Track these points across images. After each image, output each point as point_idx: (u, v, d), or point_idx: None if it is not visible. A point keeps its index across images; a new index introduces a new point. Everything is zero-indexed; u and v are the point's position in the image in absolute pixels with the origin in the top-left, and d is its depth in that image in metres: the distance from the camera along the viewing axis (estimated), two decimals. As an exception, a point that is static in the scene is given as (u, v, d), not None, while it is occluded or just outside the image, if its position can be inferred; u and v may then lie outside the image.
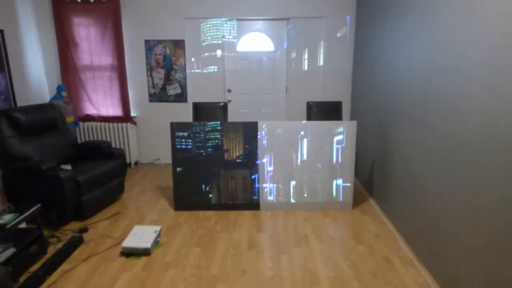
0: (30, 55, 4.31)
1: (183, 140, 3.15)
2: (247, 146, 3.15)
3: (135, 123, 4.69)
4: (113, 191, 3.34)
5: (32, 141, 3.13)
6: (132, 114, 4.70)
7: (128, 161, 4.66)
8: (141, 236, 2.59)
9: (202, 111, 3.57)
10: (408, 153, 2.57)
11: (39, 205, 2.45)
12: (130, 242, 2.51)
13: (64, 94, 4.19)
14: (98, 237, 2.78)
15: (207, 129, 3.13)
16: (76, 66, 4.51)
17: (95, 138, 4.60)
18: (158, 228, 2.72)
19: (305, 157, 3.16)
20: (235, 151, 3.17)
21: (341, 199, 3.22)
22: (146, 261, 2.44)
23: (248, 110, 4.76)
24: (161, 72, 4.54)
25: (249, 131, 3.13)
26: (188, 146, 3.16)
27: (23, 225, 2.73)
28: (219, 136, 3.14)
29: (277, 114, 4.75)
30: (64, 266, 2.38)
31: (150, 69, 4.54)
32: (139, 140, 4.80)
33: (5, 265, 2.05)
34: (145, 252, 2.50)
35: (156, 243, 2.63)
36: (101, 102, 4.64)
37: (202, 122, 3.11)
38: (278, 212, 3.23)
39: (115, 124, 4.54)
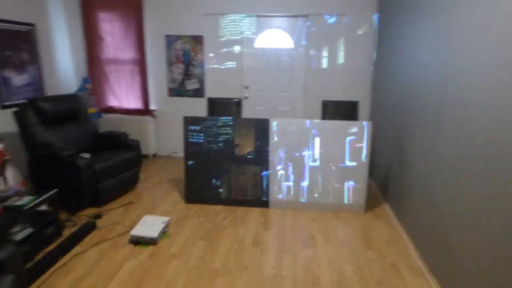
0: (59, 49, 4.53)
1: (195, 134, 3.20)
2: (258, 142, 3.15)
3: (154, 116, 4.81)
4: (128, 180, 3.45)
5: (56, 130, 3.29)
6: (152, 107, 4.82)
7: (146, 153, 4.80)
8: (149, 225, 2.66)
9: (216, 106, 3.60)
10: (423, 160, 2.46)
11: (56, 189, 2.57)
12: (138, 231, 2.58)
13: (88, 86, 4.36)
14: (111, 224, 2.89)
15: (219, 124, 3.15)
16: (101, 60, 4.69)
17: (117, 129, 4.76)
18: (166, 219, 2.78)
19: (317, 156, 3.11)
20: (246, 147, 3.17)
21: (353, 202, 3.15)
22: (152, 250, 2.50)
23: (264, 107, 4.74)
24: (180, 67, 4.62)
25: (261, 127, 3.12)
26: (200, 140, 3.20)
27: (43, 208, 2.89)
28: (230, 131, 3.16)
29: (294, 112, 4.70)
30: (77, 249, 2.49)
31: (169, 64, 4.64)
32: (158, 133, 4.92)
33: (22, 243, 2.18)
34: (151, 242, 2.56)
35: (163, 233, 2.69)
36: (123, 95, 4.80)
37: (214, 117, 3.14)
38: (287, 211, 3.20)
39: (136, 117, 4.68)
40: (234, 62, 4.57)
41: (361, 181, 3.10)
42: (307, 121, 3.08)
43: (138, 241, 2.58)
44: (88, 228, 2.73)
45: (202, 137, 3.19)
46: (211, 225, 2.90)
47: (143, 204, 3.29)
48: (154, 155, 4.96)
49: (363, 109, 4.42)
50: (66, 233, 2.67)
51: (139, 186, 3.77)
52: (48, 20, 4.31)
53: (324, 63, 4.41)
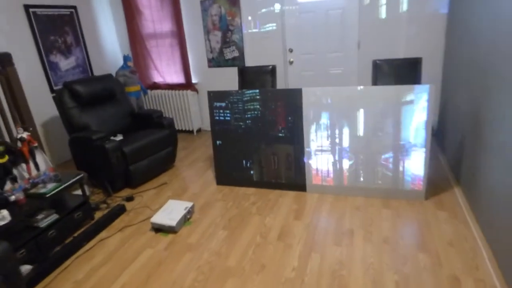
0: (103, 28, 4.57)
1: (221, 111, 2.89)
2: (290, 118, 2.70)
3: (196, 90, 4.64)
4: (162, 160, 3.38)
5: (91, 111, 3.33)
6: (194, 81, 4.64)
7: (190, 129, 4.72)
8: (170, 212, 2.53)
9: (248, 76, 3.21)
10: (509, 139, 1.74)
11: (82, 175, 2.59)
12: (158, 218, 2.48)
13: (130, 63, 4.35)
14: (140, 207, 2.86)
15: (245, 98, 2.78)
16: (142, 35, 4.60)
17: (161, 106, 4.76)
18: (189, 204, 2.62)
19: (362, 132, 2.54)
20: (277, 124, 2.75)
21: (409, 187, 2.54)
22: (171, 239, 2.38)
23: (313, 72, 4.15)
24: (218, 35, 4.27)
25: (292, 100, 2.65)
26: (227, 118, 2.89)
27: (78, 191, 3.00)
28: (258, 106, 2.76)
29: (348, 75, 4.01)
30: (103, 234, 2.51)
31: (207, 32, 4.31)
32: (201, 107, 4.76)
33: (48, 230, 2.24)
34: (171, 230, 2.43)
35: (185, 220, 2.54)
36: (165, 70, 4.70)
37: (239, 91, 2.76)
38: (326, 196, 2.76)
39: (178, 92, 4.57)
40: (275, 24, 4.01)
41: (421, 161, 2.45)
42: (349, 89, 2.49)
43: (159, 229, 2.49)
44: (117, 211, 2.74)
45: (228, 114, 2.87)
46: (237, 212, 2.65)
47: (174, 185, 3.20)
48: (199, 130, 4.86)
49: (433, 67, 3.52)
50: (100, 215, 2.73)
51: (177, 164, 3.70)
52: (89, 0, 4.32)
53: (383, 13, 3.56)
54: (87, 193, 3.07)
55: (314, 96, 2.58)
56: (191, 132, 4.82)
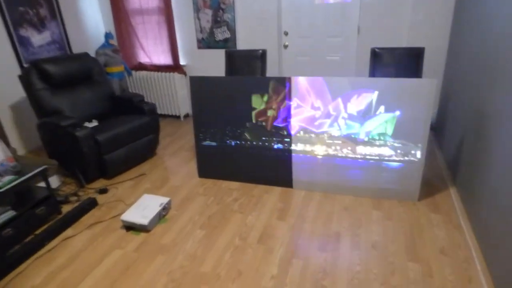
0: (83, 1, 4.21)
1: (204, 98, 2.64)
2: (275, 107, 2.47)
3: (184, 73, 4.35)
4: (142, 149, 3.15)
5: (64, 94, 3.07)
6: (182, 62, 4.35)
7: (177, 114, 4.47)
8: (144, 208, 2.33)
9: (236, 61, 2.95)
10: (516, 139, 1.54)
11: (44, 166, 2.36)
12: (130, 215, 2.28)
13: (112, 41, 4.04)
14: (113, 200, 2.66)
15: (229, 86, 2.53)
16: (127, 10, 4.26)
17: (146, 89, 4.48)
18: (165, 200, 2.42)
19: (354, 125, 2.32)
20: (262, 114, 2.53)
21: (402, 186, 2.35)
22: (143, 238, 2.19)
23: (309, 57, 3.88)
24: (208, 14, 3.95)
25: (278, 89, 2.41)
26: (210, 106, 2.65)
27: (55, 181, 2.78)
28: (241, 94, 2.52)
29: (345, 63, 3.76)
30: (68, 232, 2.31)
31: (197, 10, 3.99)
32: (190, 90, 4.49)
33: (2, 228, 2.04)
34: (143, 228, 2.24)
35: (160, 217, 2.35)
36: (152, 49, 4.39)
37: (223, 77, 2.51)
38: (314, 193, 2.57)
39: (165, 74, 4.28)
40: (270, 2, 3.70)
41: (415, 159, 2.25)
42: (339, 79, 2.25)
43: (130, 227, 2.29)
44: (88, 205, 2.53)
45: (211, 102, 2.63)
46: (218, 208, 2.46)
47: (154, 176, 2.99)
48: (187, 116, 4.61)
49: (436, 58, 3.27)
50: (69, 209, 2.52)
51: (160, 153, 3.48)
52: (66, -31, 3.95)
53: (385, -6, 3.27)
54: (58, 184, 2.87)
55: (301, 85, 2.34)
56: (178, 117, 4.57)
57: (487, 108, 1.96)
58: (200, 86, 2.61)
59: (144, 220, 2.22)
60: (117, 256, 2.04)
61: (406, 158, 2.26)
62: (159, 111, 4.56)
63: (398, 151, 2.27)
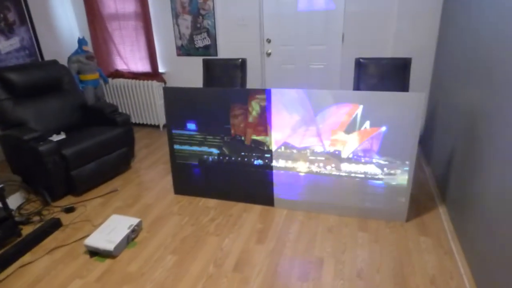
0: (57, 4, 4.00)
1: (179, 109, 2.47)
2: (254, 121, 2.31)
3: (164, 81, 4.16)
4: (114, 163, 2.94)
5: (29, 105, 2.84)
6: (161, 70, 4.16)
7: (156, 123, 4.27)
8: (110, 231, 2.13)
9: (214, 70, 2.79)
10: (510, 154, 1.42)
11: (2, 185, 2.14)
12: (95, 239, 2.07)
13: (86, 48, 3.82)
14: (80, 220, 2.44)
15: (202, 97, 2.36)
16: (102, 15, 4.06)
17: (123, 97, 4.27)
18: (135, 222, 2.22)
19: (336, 141, 2.18)
20: (239, 128, 2.36)
21: (389, 206, 2.22)
22: (108, 266, 1.98)
23: (293, 65, 3.75)
24: (188, 19, 3.79)
25: (258, 101, 2.26)
26: (186, 119, 2.47)
27: (18, 199, 2.56)
28: (217, 107, 2.35)
29: (330, 71, 3.64)
30: (26, 258, 2.09)
31: (175, 16, 3.82)
32: (169, 99, 4.30)
33: None
34: (108, 254, 2.04)
35: (128, 241, 2.15)
36: (129, 56, 4.20)
37: (197, 88, 2.34)
38: (297, 212, 2.41)
39: (143, 82, 4.09)
40: (252, 9, 3.56)
41: (403, 177, 2.12)
42: (320, 92, 2.11)
43: (95, 252, 2.09)
44: (50, 227, 2.31)
45: (187, 114, 2.46)
46: (192, 230, 2.27)
47: (126, 193, 2.78)
48: (165, 126, 4.40)
49: (423, 67, 3.18)
50: (30, 231, 2.29)
51: (135, 166, 3.28)
52: (37, -29, 3.74)
53: (371, 4, 3.17)
54: (21, 201, 2.64)
55: (279, 97, 2.19)
56: (157, 127, 4.37)
57: (479, 119, 1.84)
58: (175, 98, 2.43)
59: (109, 245, 2.02)
60: (78, 286, 1.83)
61: (393, 176, 2.13)
62: (137, 121, 4.36)
63: (385, 169, 2.13)
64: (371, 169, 2.16)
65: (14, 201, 2.59)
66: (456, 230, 2.07)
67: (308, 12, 3.45)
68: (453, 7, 2.56)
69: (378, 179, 2.17)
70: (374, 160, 2.13)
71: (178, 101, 2.43)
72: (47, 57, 3.91)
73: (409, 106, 1.97)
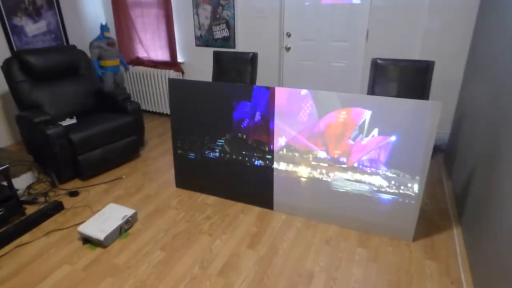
0: (82, -10, 4.07)
1: (183, 103, 2.41)
2: (257, 121, 2.20)
3: (181, 71, 4.14)
4: (122, 151, 2.96)
5: (45, 88, 2.92)
6: (180, 59, 4.14)
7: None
8: (104, 220, 2.14)
9: (224, 63, 2.70)
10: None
11: (6, 165, 2.21)
12: (88, 227, 2.09)
13: (108, 34, 3.87)
14: (82, 205, 2.48)
15: (207, 91, 2.28)
16: (126, 2, 4.09)
17: (142, 85, 4.30)
18: (130, 213, 2.21)
19: (341, 148, 2.03)
20: (243, 124, 2.27)
21: (395, 221, 2.04)
22: (97, 255, 1.99)
23: (312, 62, 3.58)
24: (208, 9, 3.71)
25: (261, 99, 2.14)
26: (189, 112, 2.42)
27: (29, 178, 2.64)
28: (223, 103, 2.27)
29: (352, 70, 3.43)
30: (25, 237, 2.15)
31: (196, 6, 3.76)
32: (187, 90, 4.28)
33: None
34: (99, 243, 2.05)
35: (121, 232, 2.15)
36: (149, 44, 4.21)
37: (204, 82, 2.27)
38: (295, 219, 2.30)
39: (161, 71, 4.09)
40: (272, 1, 3.42)
41: (412, 192, 1.93)
42: (326, 94, 1.96)
43: (88, 240, 2.10)
44: (52, 209, 2.37)
45: (191, 107, 2.40)
46: (186, 227, 2.23)
47: (130, 182, 2.80)
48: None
49: (453, 70, 2.90)
50: (33, 211, 2.36)
51: (145, 155, 3.29)
52: (66, -44, 3.81)
53: (400, -2, 2.92)
54: (32, 181, 2.74)
55: (285, 97, 2.06)
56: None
57: (503, 141, 1.62)
58: (180, 90, 2.38)
59: (101, 235, 2.02)
60: (64, 273, 1.85)
61: (400, 191, 1.95)
62: (153, 109, 4.39)
63: (392, 182, 1.95)
64: (377, 180, 1.99)
65: (25, 180, 2.68)
66: (468, 258, 1.87)
67: (331, 6, 3.24)
68: (493, 5, 2.27)
69: (385, 192, 1.99)
70: (380, 172, 1.96)
71: (183, 94, 2.38)
72: (72, 41, 4.01)
73: (423, 115, 1.77)
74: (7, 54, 3.36)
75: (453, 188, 2.55)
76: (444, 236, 2.09)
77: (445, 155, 3.10)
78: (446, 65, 2.91)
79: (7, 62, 2.77)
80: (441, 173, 2.83)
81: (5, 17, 3.30)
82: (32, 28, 3.58)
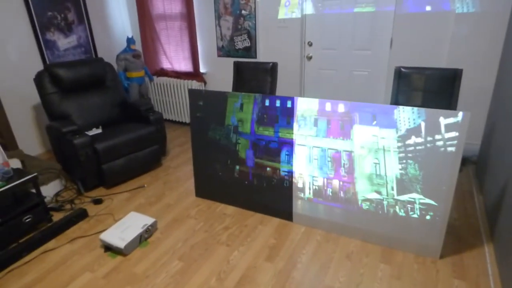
0: (112, 5, 4.26)
1: (203, 112, 2.44)
2: (278, 131, 2.18)
3: (204, 81, 4.21)
4: (143, 160, 3.03)
5: (74, 99, 3.05)
6: (202, 70, 4.22)
7: (194, 122, 4.33)
8: (125, 228, 2.18)
9: (244, 73, 2.72)
10: None
11: (35, 174, 2.31)
12: (109, 235, 2.13)
13: (133, 46, 4.01)
14: (105, 213, 2.55)
15: (224, 101, 2.30)
16: (151, 15, 4.23)
17: (166, 95, 4.41)
18: (150, 221, 2.25)
19: (362, 160, 1.96)
20: (263, 135, 2.25)
21: (420, 237, 1.94)
22: (117, 263, 2.03)
23: (334, 70, 3.53)
24: (229, 20, 3.77)
25: (283, 109, 2.13)
26: (209, 122, 2.44)
27: (57, 186, 2.75)
28: (239, 113, 2.27)
29: (374, 79, 3.35)
30: (50, 244, 2.23)
31: (218, 17, 3.83)
32: (208, 99, 4.34)
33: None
34: (119, 251, 2.08)
35: (141, 240, 2.18)
36: (173, 55, 4.32)
37: (218, 92, 2.29)
38: (315, 231, 2.24)
39: (184, 81, 4.17)
40: (294, 10, 3.42)
41: (440, 207, 1.83)
42: (342, 103, 1.91)
43: (109, 247, 2.15)
44: (77, 216, 2.45)
45: (211, 117, 2.42)
46: (204, 237, 2.23)
47: (151, 191, 2.84)
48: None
49: (484, 83, 2.76)
50: (60, 218, 2.45)
51: (166, 164, 3.35)
52: (96, -26, 4.02)
53: (425, 5, 2.83)
54: (60, 188, 2.85)
55: (305, 107, 2.03)
56: (194, 125, 4.44)
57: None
58: (200, 100, 2.41)
59: (121, 243, 2.06)
60: (85, 281, 1.90)
61: (427, 204, 1.85)
62: (177, 119, 4.47)
63: (422, 198, 1.86)
64: (401, 197, 1.90)
65: (53, 187, 2.79)
66: (501, 277, 1.74)
67: (353, 14, 3.20)
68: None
69: (410, 205, 1.90)
70: (403, 187, 1.87)
71: (203, 104, 2.40)
72: (101, 54, 4.18)
73: (450, 126, 1.69)
74: (40, 67, 3.56)
75: (484, 202, 2.40)
76: (474, 253, 1.97)
77: (476, 167, 2.94)
78: (476, 72, 2.78)
79: (39, 75, 2.93)
80: (471, 186, 2.68)
81: (39, 32, 3.51)
82: (64, 42, 3.78)
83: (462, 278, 1.79)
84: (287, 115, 2.12)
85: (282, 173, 2.25)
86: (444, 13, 2.77)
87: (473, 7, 2.65)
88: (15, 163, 2.56)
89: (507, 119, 2.14)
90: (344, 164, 2.02)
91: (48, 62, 3.62)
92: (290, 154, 2.18)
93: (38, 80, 2.91)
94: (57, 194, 2.79)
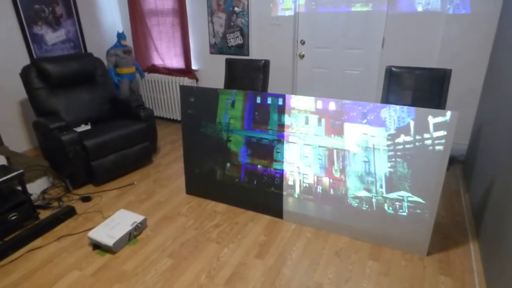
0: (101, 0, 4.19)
1: (195, 109, 2.43)
2: (269, 129, 2.18)
3: (196, 78, 4.19)
4: (134, 157, 3.00)
5: (62, 95, 3.00)
6: (194, 67, 4.18)
7: (185, 119, 4.31)
8: (114, 226, 2.15)
9: (235, 70, 2.71)
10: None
11: (21, 171, 2.27)
12: (97, 233, 2.11)
13: (124, 42, 3.96)
14: (93, 211, 2.51)
15: (215, 98, 2.29)
16: (143, 11, 4.18)
17: (157, 92, 4.37)
18: (139, 219, 2.23)
19: (352, 158, 1.98)
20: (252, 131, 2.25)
21: (408, 235, 1.97)
22: (106, 261, 2.00)
23: (326, 69, 3.55)
24: (222, 17, 3.74)
25: (274, 107, 2.13)
26: (200, 120, 2.43)
27: (44, 183, 2.70)
28: (230, 109, 2.27)
29: (366, 78, 3.38)
30: (37, 242, 2.19)
31: (211, 14, 3.80)
32: (200, 96, 4.32)
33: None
34: (108, 249, 2.06)
35: (130, 238, 2.16)
36: (165, 51, 4.28)
37: (208, 88, 2.28)
38: (305, 228, 2.25)
39: (176, 78, 4.14)
40: (287, 8, 3.42)
41: (427, 204, 1.86)
42: (334, 101, 1.92)
43: (97, 245, 2.12)
44: (65, 214, 2.41)
45: (202, 114, 2.41)
46: (195, 234, 2.22)
47: (141, 188, 2.82)
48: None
49: (473, 83, 2.81)
50: (47, 216, 2.41)
51: (157, 161, 3.32)
52: (86, -33, 3.94)
53: (416, 5, 2.86)
54: (47, 185, 2.80)
55: (295, 104, 2.04)
56: (185, 123, 4.41)
57: (521, 155, 1.54)
58: (191, 97, 2.40)
59: (110, 240, 2.04)
60: (73, 279, 1.87)
61: (414, 202, 1.88)
62: (168, 116, 4.44)
63: (407, 197, 1.89)
64: (389, 195, 1.92)
65: (40, 185, 2.74)
66: (485, 275, 1.77)
67: (346, 13, 3.21)
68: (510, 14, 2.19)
69: (398, 203, 1.93)
70: (391, 184, 1.90)
71: (194, 101, 2.39)
72: (90, 49, 4.12)
73: (439, 125, 1.71)
74: (27, 61, 3.48)
75: (471, 201, 2.44)
76: (460, 251, 2.00)
77: (463, 166, 2.99)
78: (465, 73, 2.82)
79: (25, 69, 2.86)
80: (458, 185, 2.73)
81: (25, 26, 3.42)
82: (52, 36, 3.70)
83: (448, 275, 1.83)
84: (278, 113, 2.12)
85: (273, 171, 2.25)
86: (436, 14, 2.80)
87: (463, 9, 2.69)
88: (0, 160, 2.51)
89: (495, 120, 2.18)
90: (334, 162, 2.03)
91: (35, 57, 3.55)
92: (281, 152, 2.19)
93: (25, 74, 2.85)
94: (44, 192, 2.75)
